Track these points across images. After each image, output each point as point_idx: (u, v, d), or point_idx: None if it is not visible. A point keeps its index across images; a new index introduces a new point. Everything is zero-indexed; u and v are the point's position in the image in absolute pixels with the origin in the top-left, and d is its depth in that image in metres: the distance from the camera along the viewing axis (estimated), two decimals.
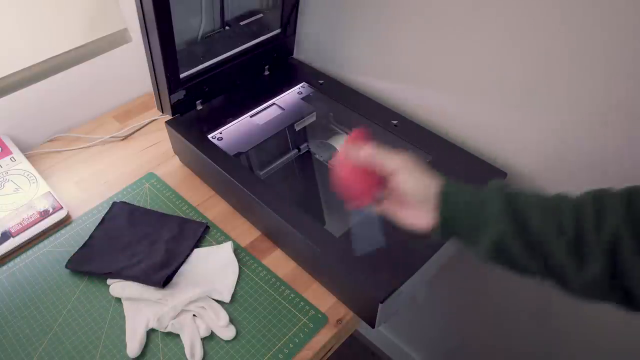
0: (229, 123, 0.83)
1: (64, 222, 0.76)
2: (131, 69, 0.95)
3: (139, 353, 0.60)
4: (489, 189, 0.47)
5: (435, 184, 0.49)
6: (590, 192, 0.44)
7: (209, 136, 0.80)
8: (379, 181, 0.52)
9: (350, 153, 0.53)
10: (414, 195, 0.50)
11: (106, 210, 0.76)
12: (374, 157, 0.51)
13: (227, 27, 0.82)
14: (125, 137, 0.92)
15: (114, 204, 0.77)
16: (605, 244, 0.40)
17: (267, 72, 0.92)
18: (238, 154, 0.81)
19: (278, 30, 0.89)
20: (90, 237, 0.73)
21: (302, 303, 0.66)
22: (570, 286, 0.44)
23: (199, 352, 0.60)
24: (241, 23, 0.84)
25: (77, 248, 0.71)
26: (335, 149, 0.88)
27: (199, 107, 0.83)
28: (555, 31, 0.62)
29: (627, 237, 0.39)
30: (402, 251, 0.62)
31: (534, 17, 0.63)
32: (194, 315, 0.64)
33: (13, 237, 0.71)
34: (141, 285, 0.66)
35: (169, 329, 0.62)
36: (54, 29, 0.83)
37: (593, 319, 0.82)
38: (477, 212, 0.46)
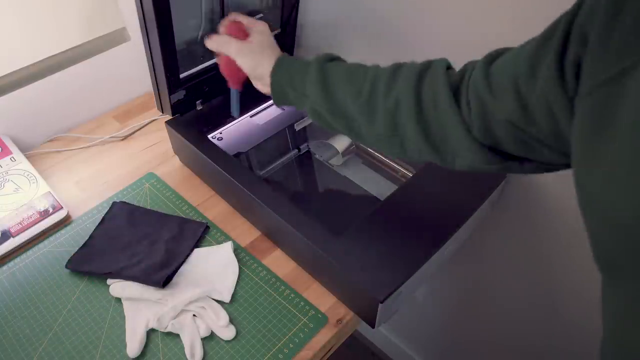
0: (229, 123, 0.83)
1: (64, 222, 0.76)
2: (130, 68, 0.95)
3: (139, 353, 0.60)
4: (311, 62, 0.57)
5: (267, 64, 0.60)
6: (396, 64, 0.52)
7: (209, 136, 0.80)
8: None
9: (221, 45, 0.65)
10: (252, 75, 0.63)
11: (106, 210, 0.76)
12: (222, 47, 0.64)
13: None
14: (125, 137, 0.92)
15: (114, 204, 0.77)
16: (389, 107, 0.50)
17: None
18: (238, 154, 0.81)
19: (278, 30, 0.89)
20: (90, 237, 0.73)
21: (302, 303, 0.66)
22: (366, 140, 0.55)
23: (199, 352, 0.60)
24: None
25: (77, 248, 0.71)
26: (335, 149, 0.89)
27: (199, 107, 0.83)
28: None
29: (405, 103, 0.49)
30: (402, 251, 0.62)
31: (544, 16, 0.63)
32: (194, 315, 0.64)
33: (13, 237, 0.71)
34: (141, 285, 0.66)
35: (169, 329, 0.62)
36: (53, 28, 0.83)
37: (595, 321, 0.82)
38: (300, 85, 0.57)
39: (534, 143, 0.42)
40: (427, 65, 0.50)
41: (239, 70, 0.64)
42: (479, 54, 0.72)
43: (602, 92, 0.30)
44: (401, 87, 0.50)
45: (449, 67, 0.50)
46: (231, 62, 0.64)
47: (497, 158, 0.46)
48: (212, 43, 0.65)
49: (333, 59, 0.58)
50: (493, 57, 0.45)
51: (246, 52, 0.61)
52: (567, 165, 0.40)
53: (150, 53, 0.70)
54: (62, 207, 0.75)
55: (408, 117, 0.49)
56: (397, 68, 0.52)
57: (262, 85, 0.63)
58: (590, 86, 0.31)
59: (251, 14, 0.85)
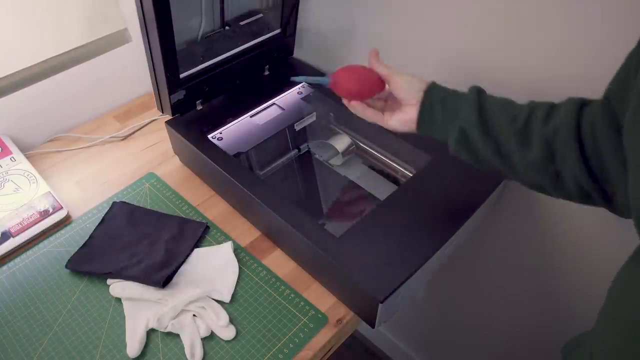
0: (229, 123, 0.83)
1: (64, 222, 0.76)
2: (131, 69, 0.95)
3: (139, 353, 0.60)
4: (468, 90, 0.56)
5: (422, 86, 0.58)
6: (551, 102, 0.51)
7: (209, 136, 0.80)
8: (376, 83, 0.62)
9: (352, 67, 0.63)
10: (406, 92, 0.58)
11: (106, 210, 0.76)
12: (373, 65, 0.61)
13: (227, 27, 0.82)
14: (125, 137, 0.92)
15: (114, 204, 0.77)
16: (547, 133, 0.49)
17: (267, 72, 0.92)
18: (238, 154, 0.81)
19: (278, 30, 0.89)
20: (90, 237, 0.73)
21: (302, 303, 0.66)
22: (516, 169, 0.52)
23: (199, 352, 0.60)
24: (241, 23, 0.84)
25: (77, 248, 0.71)
26: (335, 149, 0.89)
27: (199, 107, 0.83)
28: (557, 26, 0.62)
29: (565, 130, 0.47)
30: (402, 251, 0.62)
31: (538, 18, 0.63)
32: (194, 315, 0.64)
33: (13, 237, 0.71)
34: (141, 285, 0.66)
35: (169, 329, 0.62)
36: (54, 29, 0.83)
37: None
38: (452, 104, 0.55)
39: None
40: (588, 100, 0.49)
41: (371, 81, 0.62)
42: (473, 66, 0.72)
43: None
44: (562, 115, 0.48)
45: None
46: (361, 75, 0.63)
47: None
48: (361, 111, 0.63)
49: (482, 90, 0.57)
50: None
51: (402, 71, 0.60)
52: None
53: (150, 53, 0.70)
54: (62, 207, 0.75)
55: (568, 144, 0.47)
56: (554, 104, 0.51)
57: (406, 111, 0.59)
58: None
59: (251, 14, 0.85)
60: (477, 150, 0.54)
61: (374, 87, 0.62)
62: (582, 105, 0.48)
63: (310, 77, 0.67)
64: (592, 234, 0.73)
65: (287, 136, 0.89)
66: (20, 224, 0.73)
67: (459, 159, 0.58)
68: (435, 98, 0.57)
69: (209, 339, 0.62)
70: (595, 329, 0.39)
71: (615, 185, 0.45)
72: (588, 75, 0.60)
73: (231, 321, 0.63)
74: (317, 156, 0.91)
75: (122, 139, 0.91)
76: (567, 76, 0.64)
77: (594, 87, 0.49)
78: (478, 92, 0.55)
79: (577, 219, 0.73)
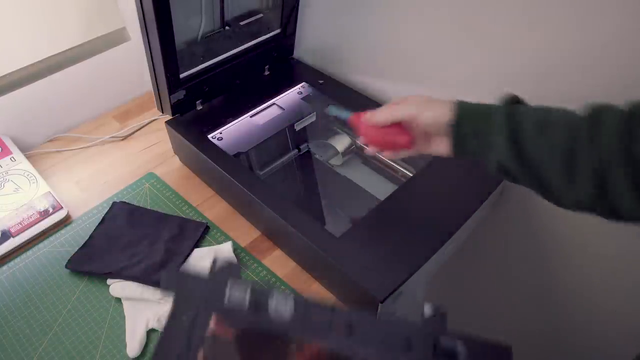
0: (229, 123, 0.83)
1: (64, 222, 0.76)
2: (130, 68, 0.95)
3: (139, 353, 0.60)
4: (496, 107, 0.49)
5: (448, 112, 0.51)
6: (592, 108, 0.44)
7: (209, 136, 0.80)
8: (400, 130, 0.56)
9: (370, 118, 0.57)
10: (433, 128, 0.53)
11: (106, 210, 0.76)
12: (391, 112, 0.55)
13: (227, 27, 0.82)
14: (125, 137, 0.91)
15: (114, 203, 0.77)
16: (596, 164, 0.41)
17: (267, 72, 0.92)
18: (238, 154, 0.81)
19: (278, 30, 0.89)
20: (90, 237, 0.73)
21: None
22: (563, 202, 0.46)
23: None
24: (241, 23, 0.84)
25: (77, 248, 0.71)
26: (335, 149, 0.89)
27: (199, 107, 0.83)
28: (554, 28, 0.62)
29: (616, 161, 0.40)
30: (402, 251, 0.62)
31: (532, 20, 0.63)
32: None
33: (13, 237, 0.71)
34: (141, 285, 0.66)
35: None
36: (53, 27, 0.83)
37: (596, 319, 0.82)
38: (486, 137, 0.49)
39: None
40: (634, 110, 0.41)
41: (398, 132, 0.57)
42: (476, 74, 0.73)
43: None
44: (608, 140, 0.41)
45: None
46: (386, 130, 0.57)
47: None
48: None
49: (518, 100, 0.50)
50: None
51: (422, 102, 0.54)
52: None
53: (150, 53, 0.70)
54: (62, 207, 0.75)
55: (620, 179, 0.40)
56: (596, 114, 0.43)
57: (440, 141, 0.54)
58: None
59: (251, 14, 0.85)
60: (517, 179, 0.49)
61: (396, 146, 0.58)
62: (630, 120, 0.40)
63: (342, 110, 0.64)
64: (593, 233, 0.73)
65: (287, 136, 0.89)
66: (20, 224, 0.73)
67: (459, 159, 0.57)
68: (467, 130, 0.50)
69: None
70: None
71: None
72: None
73: None
74: (317, 156, 0.91)
75: (122, 139, 0.91)
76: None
77: None
78: (509, 115, 0.47)
79: (577, 219, 0.73)
